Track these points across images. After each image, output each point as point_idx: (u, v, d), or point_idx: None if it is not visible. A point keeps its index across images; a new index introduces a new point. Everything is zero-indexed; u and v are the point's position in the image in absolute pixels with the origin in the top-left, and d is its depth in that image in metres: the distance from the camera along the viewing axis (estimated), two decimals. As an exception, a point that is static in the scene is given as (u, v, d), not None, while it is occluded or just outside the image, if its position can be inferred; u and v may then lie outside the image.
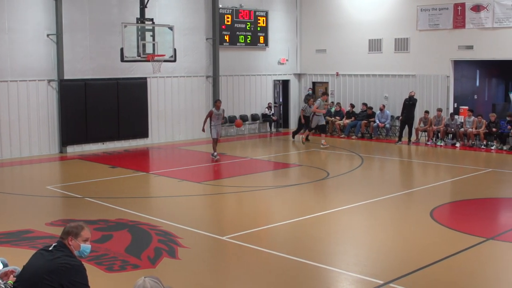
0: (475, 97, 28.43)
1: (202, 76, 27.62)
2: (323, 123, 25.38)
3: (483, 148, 23.96)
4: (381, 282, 9.27)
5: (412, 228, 12.73)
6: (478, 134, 24.36)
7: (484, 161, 21.67)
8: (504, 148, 23.66)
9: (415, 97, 25.80)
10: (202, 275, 9.90)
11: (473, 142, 24.55)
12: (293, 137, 27.07)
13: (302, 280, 9.54)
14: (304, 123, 26.21)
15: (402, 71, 27.66)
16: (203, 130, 21.84)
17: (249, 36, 29.25)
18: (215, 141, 21.25)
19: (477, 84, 28.77)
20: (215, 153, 21.19)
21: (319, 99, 25.50)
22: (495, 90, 30.22)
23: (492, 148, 23.80)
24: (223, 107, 22.46)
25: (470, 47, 25.48)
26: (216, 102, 21.64)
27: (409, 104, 25.60)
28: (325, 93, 26.35)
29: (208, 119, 21.20)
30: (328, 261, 10.50)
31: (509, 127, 23.76)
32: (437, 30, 26.39)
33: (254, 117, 29.99)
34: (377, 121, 27.34)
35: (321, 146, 24.25)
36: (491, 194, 16.14)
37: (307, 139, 25.77)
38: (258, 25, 29.59)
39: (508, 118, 24.08)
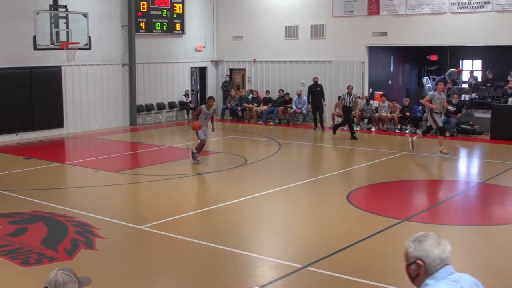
0: (390, 82, 29.04)
1: (118, 64, 27.20)
2: (431, 124, 19.44)
3: (397, 132, 24.53)
4: (299, 266, 9.39)
5: (329, 212, 12.93)
6: (393, 118, 24.91)
7: (398, 144, 22.19)
8: (418, 131, 24.24)
9: (319, 82, 25.98)
10: (121, 265, 9.81)
11: (388, 127, 25.10)
12: (354, 135, 23.09)
13: (221, 266, 9.56)
14: (344, 115, 23.62)
15: (318, 57, 27.95)
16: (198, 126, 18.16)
17: (166, 23, 28.93)
18: (203, 143, 18.20)
19: (391, 69, 29.40)
20: (197, 155, 18.32)
21: (432, 91, 19.88)
22: (408, 75, 30.97)
23: (406, 132, 24.38)
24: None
25: (384, 34, 25.96)
26: (209, 100, 18.35)
27: (316, 90, 25.77)
28: (443, 81, 18.94)
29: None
30: (247, 247, 10.56)
31: (420, 107, 24.39)
32: (352, 16, 26.75)
33: (172, 105, 29.74)
34: (294, 107, 27.54)
35: (441, 153, 19.09)
36: (405, 176, 16.55)
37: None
38: (175, 12, 29.28)
39: (421, 101, 24.72)
